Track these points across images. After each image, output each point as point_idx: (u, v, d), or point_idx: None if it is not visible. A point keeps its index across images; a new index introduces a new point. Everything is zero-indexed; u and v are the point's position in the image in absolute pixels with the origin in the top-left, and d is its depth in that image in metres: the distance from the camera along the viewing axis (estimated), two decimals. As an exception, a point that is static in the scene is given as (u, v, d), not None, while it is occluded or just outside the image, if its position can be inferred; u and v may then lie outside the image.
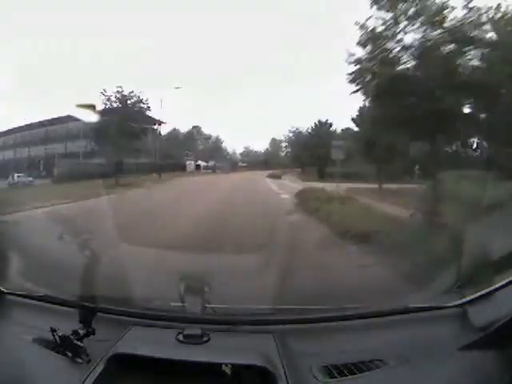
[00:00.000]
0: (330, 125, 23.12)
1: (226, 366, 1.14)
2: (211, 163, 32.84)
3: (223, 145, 35.90)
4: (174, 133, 34.19)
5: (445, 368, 1.16)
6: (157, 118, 22.95)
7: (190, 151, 31.32)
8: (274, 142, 39.90)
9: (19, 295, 1.62)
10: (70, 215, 7.40)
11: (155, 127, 25.84)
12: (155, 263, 3.49)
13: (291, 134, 29.05)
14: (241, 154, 40.09)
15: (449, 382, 1.14)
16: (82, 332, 1.22)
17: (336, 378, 1.13)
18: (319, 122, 23.07)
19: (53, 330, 1.19)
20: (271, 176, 23.34)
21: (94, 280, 1.36)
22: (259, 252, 3.78)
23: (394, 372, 1.16)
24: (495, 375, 1.12)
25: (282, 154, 40.33)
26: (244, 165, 36.96)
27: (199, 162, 32.84)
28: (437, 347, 1.23)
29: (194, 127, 34.47)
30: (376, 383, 1.14)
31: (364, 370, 1.15)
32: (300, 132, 27.16)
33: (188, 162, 30.94)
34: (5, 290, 1.61)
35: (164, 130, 32.40)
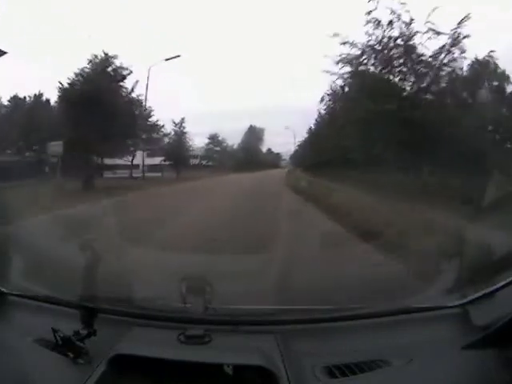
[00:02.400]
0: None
1: (228, 366, 1.14)
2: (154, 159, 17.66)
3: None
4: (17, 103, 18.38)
5: (447, 368, 1.16)
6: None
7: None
8: (253, 132, 27.79)
9: (20, 296, 1.62)
10: None
11: None
12: (157, 263, 3.49)
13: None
14: (206, 149, 26.36)
15: (451, 381, 1.14)
16: (83, 333, 1.22)
17: (338, 378, 1.13)
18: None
19: (54, 331, 1.19)
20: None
21: (95, 280, 1.36)
22: (261, 252, 3.80)
23: (396, 372, 1.16)
24: (497, 375, 1.12)
25: (263, 148, 28.87)
26: (209, 164, 26.11)
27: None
28: (439, 347, 1.23)
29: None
30: (378, 383, 1.14)
31: (366, 370, 1.15)
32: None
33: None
34: (6, 291, 1.62)
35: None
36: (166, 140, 18.93)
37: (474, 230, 3.23)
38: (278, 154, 35.20)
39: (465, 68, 10.26)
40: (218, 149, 26.99)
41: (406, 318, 1.44)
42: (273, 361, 1.17)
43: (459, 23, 9.04)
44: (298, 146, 26.69)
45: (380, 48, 9.96)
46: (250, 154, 26.53)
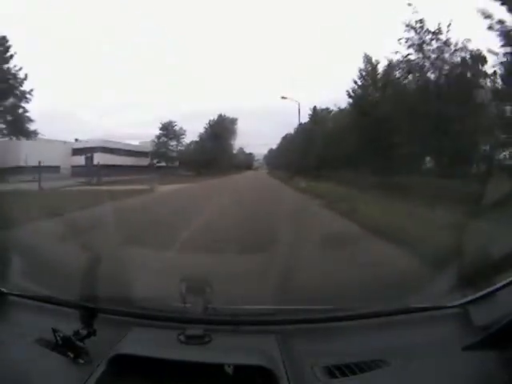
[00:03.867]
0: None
1: (228, 366, 1.14)
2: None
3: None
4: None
5: (447, 368, 1.16)
6: None
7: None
8: (223, 122, 22.48)
9: (21, 296, 1.62)
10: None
11: None
12: (157, 264, 3.49)
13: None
14: (157, 143, 20.55)
15: (451, 381, 1.13)
16: (83, 333, 1.22)
17: (338, 378, 1.13)
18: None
19: (54, 331, 1.19)
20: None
21: (95, 280, 1.36)
22: (261, 252, 3.79)
23: (396, 372, 1.16)
24: (497, 375, 1.12)
25: (234, 143, 22.24)
26: (161, 164, 20.73)
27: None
28: (438, 347, 1.23)
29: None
30: (378, 383, 1.14)
31: (366, 370, 1.15)
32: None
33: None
34: (6, 291, 1.62)
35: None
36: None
37: (474, 229, 3.23)
38: (250, 154, 32.86)
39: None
40: (173, 143, 19.80)
41: (406, 318, 1.44)
42: (273, 361, 1.17)
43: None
44: (281, 142, 24.35)
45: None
46: (217, 151, 19.84)
